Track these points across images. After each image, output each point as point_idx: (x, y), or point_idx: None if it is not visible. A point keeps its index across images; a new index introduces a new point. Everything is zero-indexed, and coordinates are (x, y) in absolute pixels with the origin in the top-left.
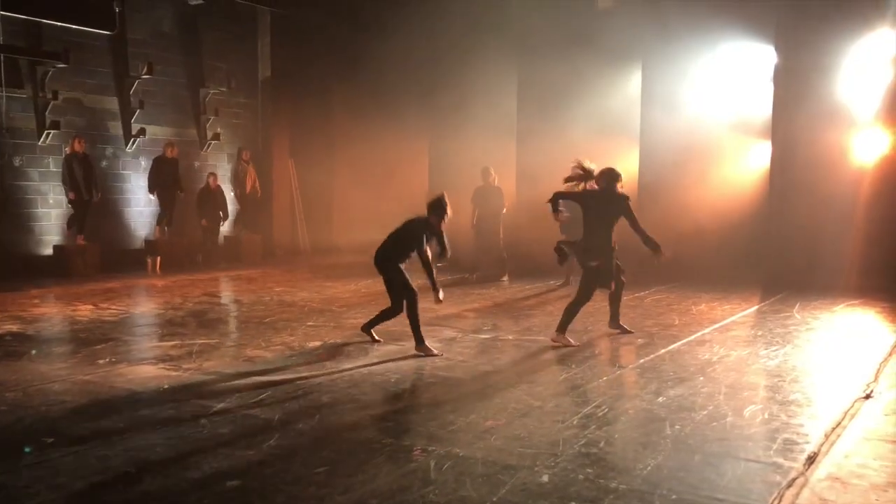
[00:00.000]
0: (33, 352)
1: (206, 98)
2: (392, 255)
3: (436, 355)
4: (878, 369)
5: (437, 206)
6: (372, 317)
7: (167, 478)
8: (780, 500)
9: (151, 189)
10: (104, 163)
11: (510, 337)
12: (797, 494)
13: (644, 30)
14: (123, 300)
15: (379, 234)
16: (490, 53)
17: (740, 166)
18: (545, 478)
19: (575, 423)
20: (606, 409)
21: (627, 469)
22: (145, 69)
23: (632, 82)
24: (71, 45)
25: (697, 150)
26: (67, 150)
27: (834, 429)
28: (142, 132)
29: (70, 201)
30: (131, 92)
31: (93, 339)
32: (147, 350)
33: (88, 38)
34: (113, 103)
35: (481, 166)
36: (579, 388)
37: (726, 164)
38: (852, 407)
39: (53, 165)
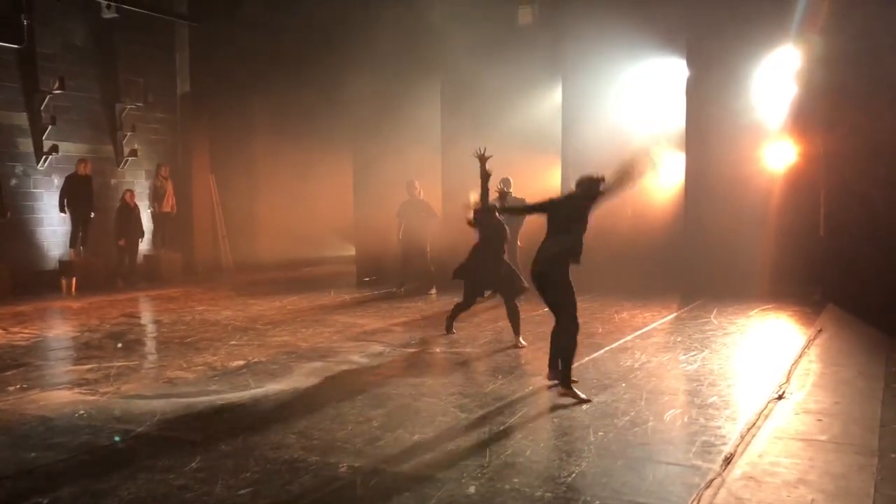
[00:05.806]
0: None
1: (122, 113)
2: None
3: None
4: (790, 370)
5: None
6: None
7: None
8: (698, 501)
9: (63, 208)
10: (14, 181)
11: (438, 350)
12: (714, 494)
13: (563, 46)
14: (36, 323)
15: (304, 250)
16: (413, 67)
17: (658, 177)
18: (472, 489)
19: (501, 433)
20: (532, 419)
21: (552, 477)
22: (57, 84)
23: (553, 97)
24: None
25: (616, 161)
26: None
27: (749, 430)
28: (54, 149)
29: None
30: (42, 107)
31: (2, 365)
32: (61, 374)
33: None
34: (22, 119)
35: (406, 180)
36: (506, 398)
37: (644, 175)
38: (766, 408)
39: None
